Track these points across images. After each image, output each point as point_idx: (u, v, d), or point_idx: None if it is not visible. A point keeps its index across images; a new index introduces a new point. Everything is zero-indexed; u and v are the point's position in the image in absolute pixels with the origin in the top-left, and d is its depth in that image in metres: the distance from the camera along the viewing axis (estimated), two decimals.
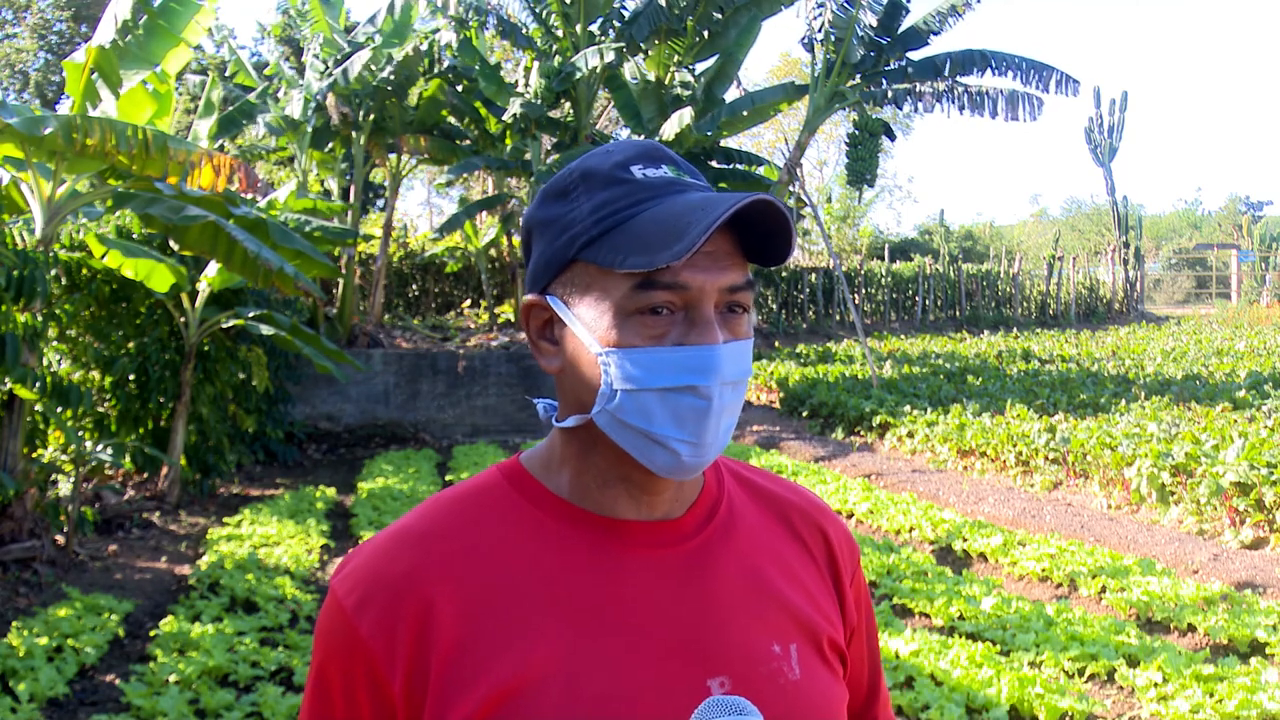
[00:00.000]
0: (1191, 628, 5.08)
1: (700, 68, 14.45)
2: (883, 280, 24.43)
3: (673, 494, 0.96)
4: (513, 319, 16.01)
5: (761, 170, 15.13)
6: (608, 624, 0.90)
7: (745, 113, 13.90)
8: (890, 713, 1.16)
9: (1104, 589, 5.66)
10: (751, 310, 0.94)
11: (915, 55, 13.40)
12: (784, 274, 21.38)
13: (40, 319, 6.11)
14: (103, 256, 7.49)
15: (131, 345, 8.30)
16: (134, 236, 8.09)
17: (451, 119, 14.73)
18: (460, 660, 0.88)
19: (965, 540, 6.72)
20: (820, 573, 1.04)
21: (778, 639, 0.95)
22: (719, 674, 0.91)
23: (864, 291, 24.01)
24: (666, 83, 14.21)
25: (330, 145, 14.00)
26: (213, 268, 7.99)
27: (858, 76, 13.51)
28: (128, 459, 7.63)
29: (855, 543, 1.10)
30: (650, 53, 14.05)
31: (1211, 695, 4.04)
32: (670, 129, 12.67)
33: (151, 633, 5.00)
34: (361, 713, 0.91)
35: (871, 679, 1.13)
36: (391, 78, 12.88)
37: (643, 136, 13.50)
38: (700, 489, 0.99)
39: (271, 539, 6.89)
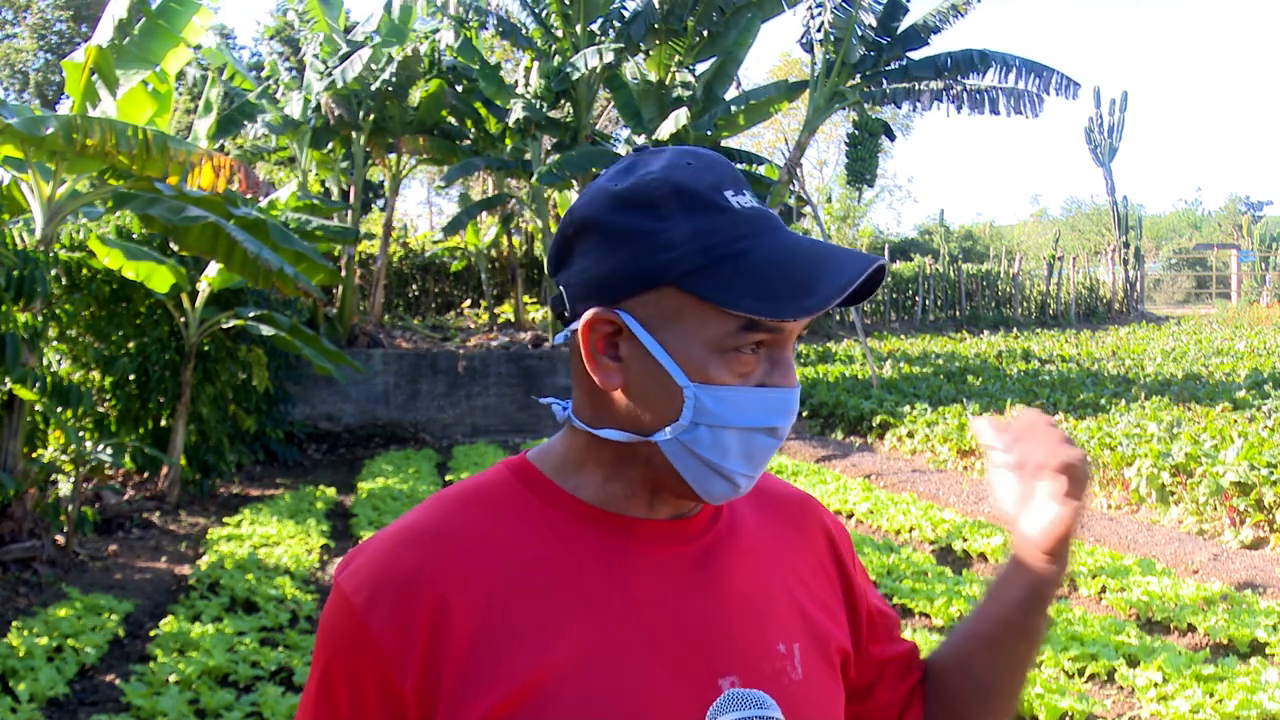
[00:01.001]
0: (1191, 628, 5.08)
1: (700, 68, 14.45)
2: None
3: None
4: (513, 319, 16.01)
5: (762, 170, 15.14)
6: (620, 622, 0.90)
7: (745, 112, 13.90)
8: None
9: (1104, 589, 5.66)
10: None
11: (915, 55, 13.39)
12: None
13: (40, 319, 6.11)
14: (105, 259, 7.49)
15: (131, 345, 8.31)
16: (134, 237, 8.09)
17: (451, 119, 14.74)
18: (475, 659, 0.87)
19: (965, 540, 6.72)
20: (823, 567, 1.04)
21: (782, 638, 0.95)
22: (729, 673, 0.90)
23: None
24: (667, 83, 14.21)
25: (330, 145, 14.00)
26: (213, 268, 7.99)
27: (857, 76, 13.50)
28: (128, 459, 7.63)
29: (841, 527, 1.12)
30: (650, 53, 14.05)
31: (1211, 695, 4.04)
32: (667, 129, 12.67)
33: (151, 633, 5.00)
34: (369, 713, 0.89)
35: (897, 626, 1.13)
36: (391, 78, 12.89)
37: (643, 137, 13.51)
38: None
39: (271, 539, 6.89)
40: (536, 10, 14.11)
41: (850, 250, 0.88)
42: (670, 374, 0.88)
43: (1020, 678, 1.09)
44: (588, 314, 0.90)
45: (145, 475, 8.52)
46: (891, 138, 15.42)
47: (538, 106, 13.38)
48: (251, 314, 8.34)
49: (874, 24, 13.18)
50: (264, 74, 14.51)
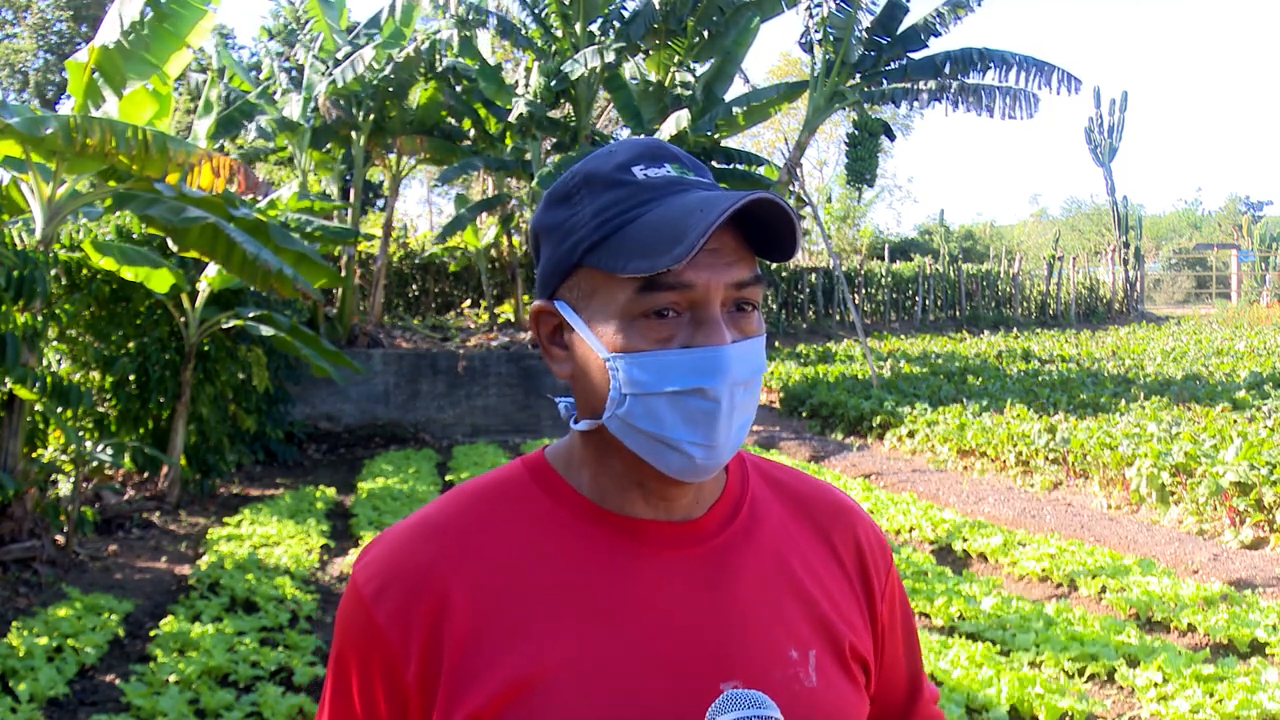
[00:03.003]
0: (1191, 628, 5.07)
1: (700, 69, 14.45)
2: (883, 280, 24.44)
3: (692, 495, 0.95)
4: (513, 319, 16.02)
5: (762, 170, 15.13)
6: (621, 623, 0.90)
7: (744, 112, 13.89)
8: (936, 708, 1.14)
9: (1104, 589, 5.66)
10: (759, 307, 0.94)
11: (915, 55, 13.40)
12: (784, 274, 21.38)
13: (40, 319, 6.11)
14: (100, 262, 7.49)
15: (131, 345, 8.30)
16: (134, 237, 8.09)
17: (451, 119, 14.73)
18: (473, 652, 0.88)
19: (965, 540, 6.72)
20: (848, 578, 1.02)
21: (796, 644, 0.94)
22: (732, 677, 0.90)
23: (864, 291, 24.01)
24: (666, 83, 14.21)
25: (329, 146, 14.00)
26: (213, 268, 7.99)
27: (857, 76, 13.51)
28: (128, 459, 7.62)
29: (886, 543, 1.08)
30: (650, 53, 14.04)
31: (1211, 695, 4.04)
32: (669, 130, 12.66)
33: (151, 633, 5.00)
34: (377, 700, 0.91)
35: (912, 677, 1.11)
36: (392, 78, 12.88)
37: (643, 137, 13.49)
38: (722, 488, 0.98)
39: (271, 539, 6.89)
40: (536, 10, 14.11)
41: (734, 193, 0.87)
42: (594, 349, 0.90)
43: None
44: (531, 308, 0.95)
45: (145, 475, 8.52)
46: (891, 138, 15.42)
47: (538, 106, 13.38)
48: (251, 314, 8.34)
49: (873, 24, 13.19)
50: (262, 75, 14.50)
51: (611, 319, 0.88)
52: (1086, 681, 4.44)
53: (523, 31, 14.08)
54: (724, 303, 0.89)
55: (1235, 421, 9.18)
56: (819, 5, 12.96)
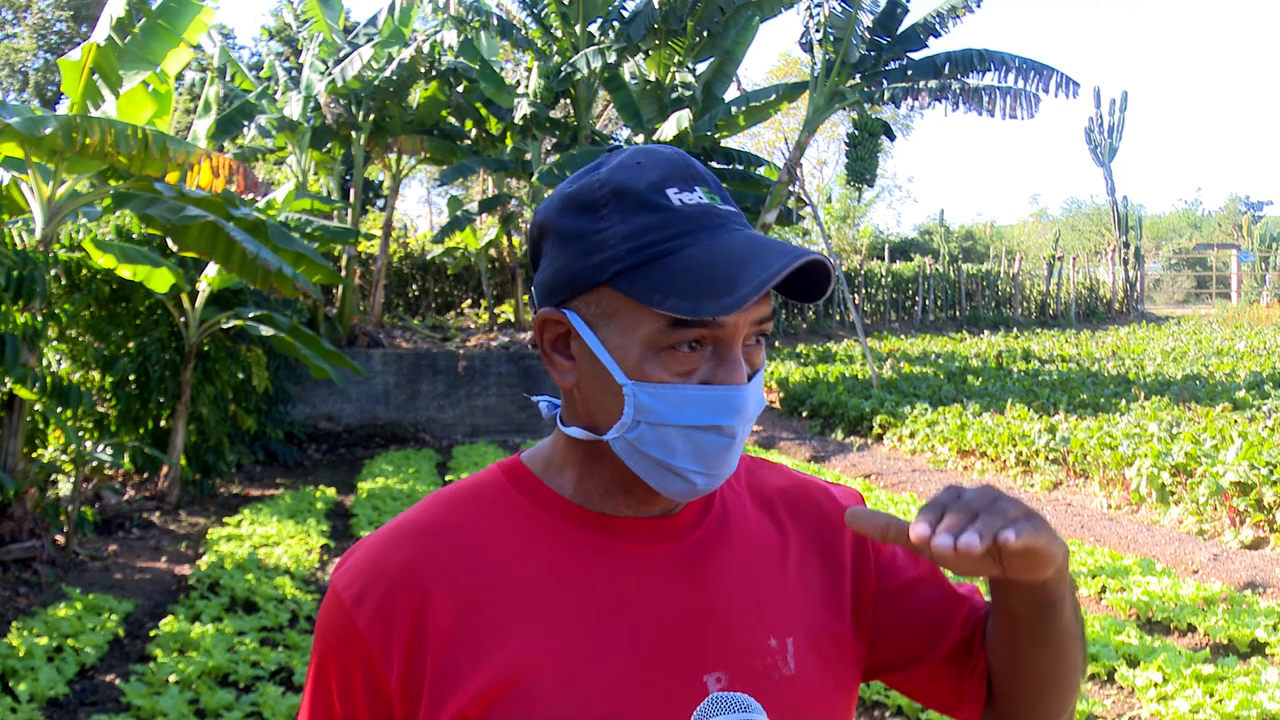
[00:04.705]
0: (1191, 628, 5.08)
1: (700, 68, 14.45)
2: (883, 280, 24.44)
3: None
4: (513, 319, 16.02)
5: (762, 170, 15.12)
6: (605, 620, 0.90)
7: (744, 112, 13.89)
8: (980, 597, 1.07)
9: (1104, 589, 5.66)
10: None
11: (915, 55, 13.39)
12: None
13: (40, 319, 6.11)
14: (100, 261, 7.49)
15: (131, 345, 8.30)
16: (134, 237, 8.09)
17: (452, 119, 14.73)
18: (456, 654, 0.88)
19: None
20: (821, 557, 1.02)
21: (774, 633, 0.95)
22: (716, 670, 0.91)
23: (864, 291, 24.01)
24: (666, 83, 14.21)
25: (329, 145, 14.00)
26: (212, 268, 7.99)
27: (857, 76, 13.50)
28: (128, 459, 7.62)
29: (858, 494, 1.07)
30: (650, 53, 14.04)
31: (1211, 695, 4.04)
32: (669, 130, 12.66)
33: (151, 633, 5.00)
34: (358, 706, 0.91)
35: (946, 589, 1.05)
36: (392, 78, 12.88)
37: (642, 137, 13.50)
38: None
39: (271, 539, 6.89)
40: (536, 10, 14.11)
41: (784, 246, 0.86)
42: (610, 372, 0.89)
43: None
44: (539, 314, 0.93)
45: (145, 475, 8.52)
46: (891, 138, 15.41)
47: (538, 106, 13.38)
48: (251, 314, 8.34)
49: (873, 24, 13.19)
50: (262, 74, 14.51)
51: (634, 346, 0.88)
52: (1087, 681, 4.44)
53: (522, 31, 14.08)
54: (744, 337, 0.90)
55: (1235, 421, 9.17)
56: (819, 5, 12.95)
